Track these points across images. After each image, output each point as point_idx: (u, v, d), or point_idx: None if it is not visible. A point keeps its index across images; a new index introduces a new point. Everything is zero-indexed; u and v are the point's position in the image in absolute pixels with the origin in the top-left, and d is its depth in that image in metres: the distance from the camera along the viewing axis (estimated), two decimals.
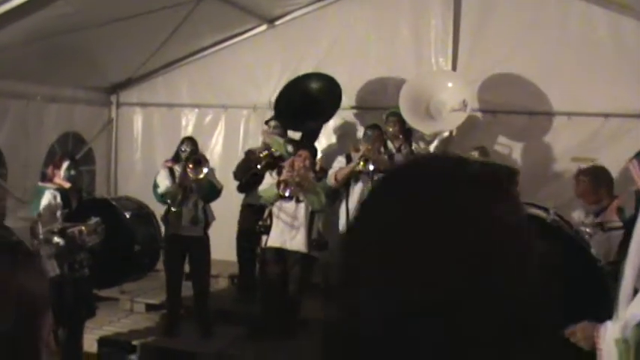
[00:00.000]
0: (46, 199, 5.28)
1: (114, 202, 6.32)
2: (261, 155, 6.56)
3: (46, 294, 1.02)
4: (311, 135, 7.00)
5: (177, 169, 6.08)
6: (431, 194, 0.73)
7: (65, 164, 5.58)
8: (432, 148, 6.94)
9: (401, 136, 6.62)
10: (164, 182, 6.06)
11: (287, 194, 5.67)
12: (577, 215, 6.19)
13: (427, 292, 0.67)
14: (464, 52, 7.13)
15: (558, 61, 6.74)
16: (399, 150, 6.57)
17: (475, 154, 5.90)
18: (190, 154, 6.08)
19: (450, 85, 6.70)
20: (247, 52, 7.85)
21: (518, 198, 0.80)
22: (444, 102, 6.62)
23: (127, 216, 6.11)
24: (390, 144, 6.62)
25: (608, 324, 2.34)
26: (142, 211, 6.43)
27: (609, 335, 2.29)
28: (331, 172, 6.16)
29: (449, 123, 6.64)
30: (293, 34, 7.66)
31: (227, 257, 6.92)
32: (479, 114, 7.05)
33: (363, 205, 0.81)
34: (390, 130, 6.59)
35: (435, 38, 7.23)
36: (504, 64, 6.86)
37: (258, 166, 6.41)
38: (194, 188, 5.98)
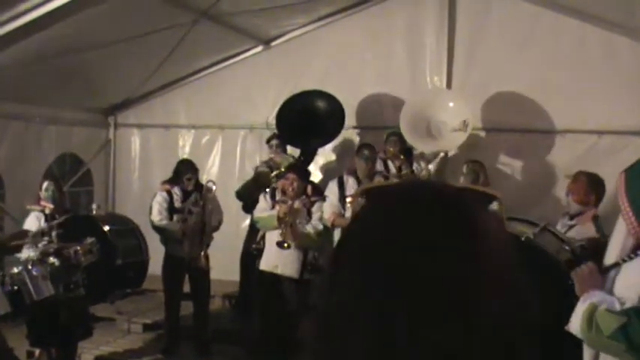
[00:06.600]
0: (30, 221, 5.27)
1: (94, 218, 6.29)
2: (272, 177, 6.50)
3: None
4: (309, 152, 6.97)
5: (177, 192, 6.06)
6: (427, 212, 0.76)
7: (44, 185, 5.52)
8: (431, 166, 6.84)
9: (402, 156, 6.55)
10: (160, 216, 5.99)
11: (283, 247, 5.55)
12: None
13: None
14: (458, 71, 7.18)
15: (552, 78, 6.78)
16: (399, 169, 6.50)
17: (464, 168, 5.99)
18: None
19: (450, 104, 6.65)
20: (244, 73, 7.91)
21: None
22: (445, 121, 6.58)
23: (106, 229, 6.05)
24: (390, 164, 6.58)
25: (599, 294, 2.40)
26: (125, 226, 6.38)
27: (593, 298, 2.37)
28: (328, 213, 5.89)
29: (450, 143, 6.59)
30: (289, 54, 7.72)
31: (223, 277, 6.89)
32: (479, 132, 7.06)
33: (355, 220, 0.81)
34: (391, 149, 6.53)
35: (429, 57, 7.29)
36: (499, 82, 6.90)
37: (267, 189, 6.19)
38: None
